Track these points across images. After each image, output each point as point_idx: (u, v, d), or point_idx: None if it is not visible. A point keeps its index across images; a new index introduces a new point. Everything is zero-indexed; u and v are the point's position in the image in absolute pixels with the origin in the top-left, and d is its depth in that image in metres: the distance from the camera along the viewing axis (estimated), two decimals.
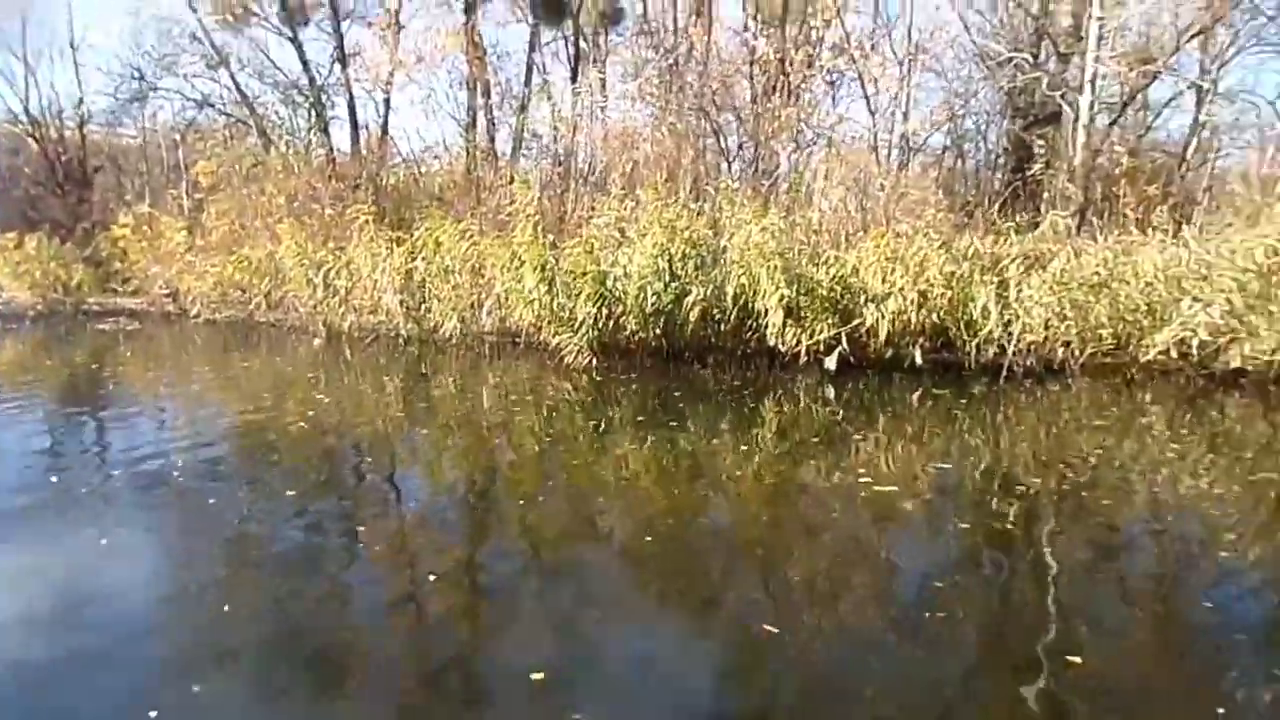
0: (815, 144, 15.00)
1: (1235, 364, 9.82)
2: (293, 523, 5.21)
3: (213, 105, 21.60)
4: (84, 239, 18.45)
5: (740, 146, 15.80)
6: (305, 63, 20.72)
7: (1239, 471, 7.19)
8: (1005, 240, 11.02)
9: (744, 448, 7.54)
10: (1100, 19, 13.54)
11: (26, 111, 23.16)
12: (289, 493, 5.77)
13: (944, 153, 18.67)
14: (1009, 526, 5.47)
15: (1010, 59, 16.29)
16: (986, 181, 17.17)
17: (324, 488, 6.16)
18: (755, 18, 20.23)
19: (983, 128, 19.52)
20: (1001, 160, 17.28)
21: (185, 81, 20.96)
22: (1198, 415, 9.28)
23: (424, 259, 12.06)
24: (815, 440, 7.90)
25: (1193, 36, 15.88)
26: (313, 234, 14.53)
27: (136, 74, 21.62)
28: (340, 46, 20.58)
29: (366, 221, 12.78)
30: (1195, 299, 9.52)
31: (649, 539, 5.11)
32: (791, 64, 16.87)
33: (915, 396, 9.71)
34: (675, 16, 21.68)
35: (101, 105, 23.21)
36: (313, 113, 20.99)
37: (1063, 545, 5.06)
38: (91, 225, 19.18)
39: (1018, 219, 12.39)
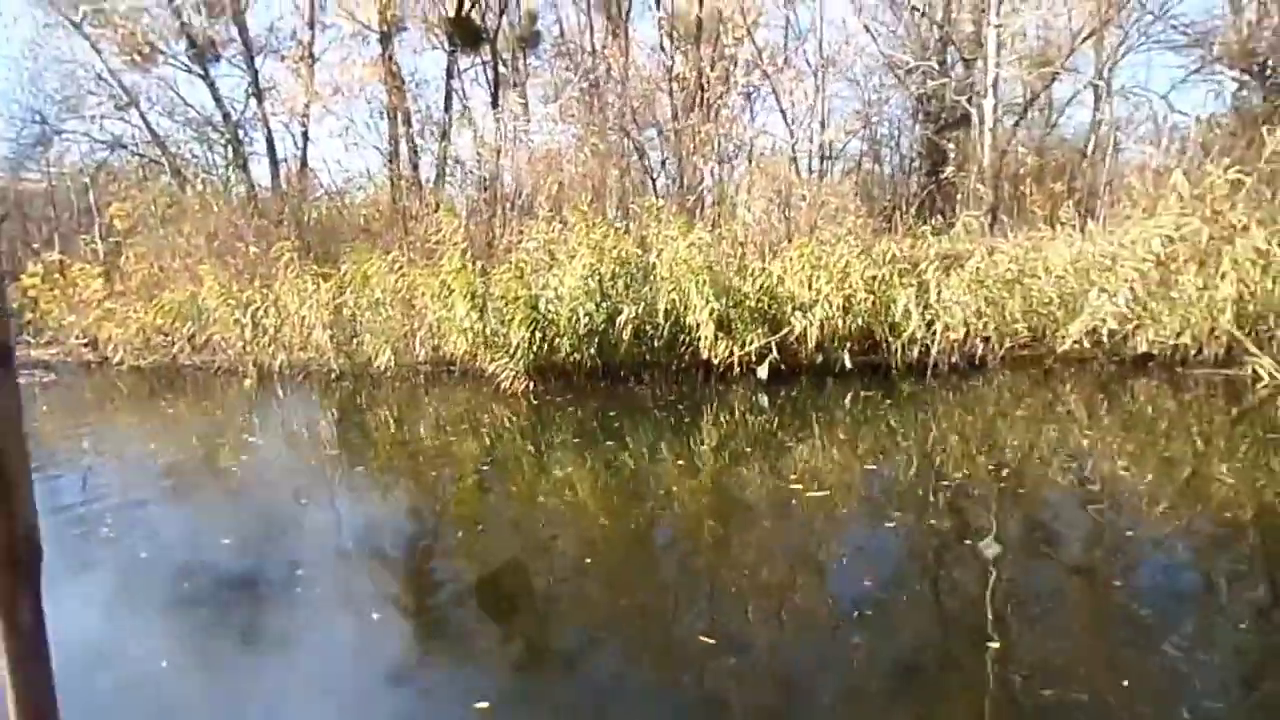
0: (736, 158, 15.30)
1: (1143, 349, 10.37)
2: (229, 571, 5.13)
3: (124, 146, 21.04)
4: None
5: (664, 163, 16.02)
6: (219, 99, 20.38)
7: (1150, 452, 7.60)
8: (922, 242, 11.41)
9: (681, 462, 7.68)
10: (998, 25, 14.16)
11: None
12: (224, 540, 5.66)
13: (861, 160, 19.22)
14: (937, 521, 5.70)
15: (917, 67, 16.91)
16: (903, 186, 17.72)
17: (261, 532, 6.06)
18: (670, 36, 20.59)
19: (896, 134, 20.22)
20: (916, 165, 17.87)
21: (93, 123, 20.37)
22: (1111, 400, 9.76)
23: (353, 292, 11.94)
24: (751, 450, 8.03)
25: (1085, 39, 16.70)
26: (237, 273, 14.26)
27: (38, 118, 20.96)
28: (254, 81, 20.30)
29: (291, 258, 12.59)
30: (1101, 290, 9.98)
31: (590, 560, 5.19)
32: (708, 81, 17.24)
33: (846, 400, 9.98)
34: (592, 38, 21.94)
35: (1, 151, 22.43)
36: (230, 149, 20.63)
37: (988, 535, 5.28)
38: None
39: (934, 221, 12.88)
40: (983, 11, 15.15)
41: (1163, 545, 5.18)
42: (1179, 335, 10.05)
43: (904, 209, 13.51)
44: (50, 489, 6.96)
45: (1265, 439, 7.72)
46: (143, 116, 20.12)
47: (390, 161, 19.61)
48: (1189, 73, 18.66)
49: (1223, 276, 9.55)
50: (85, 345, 15.60)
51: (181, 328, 13.66)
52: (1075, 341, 10.46)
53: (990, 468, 6.92)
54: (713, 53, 18.96)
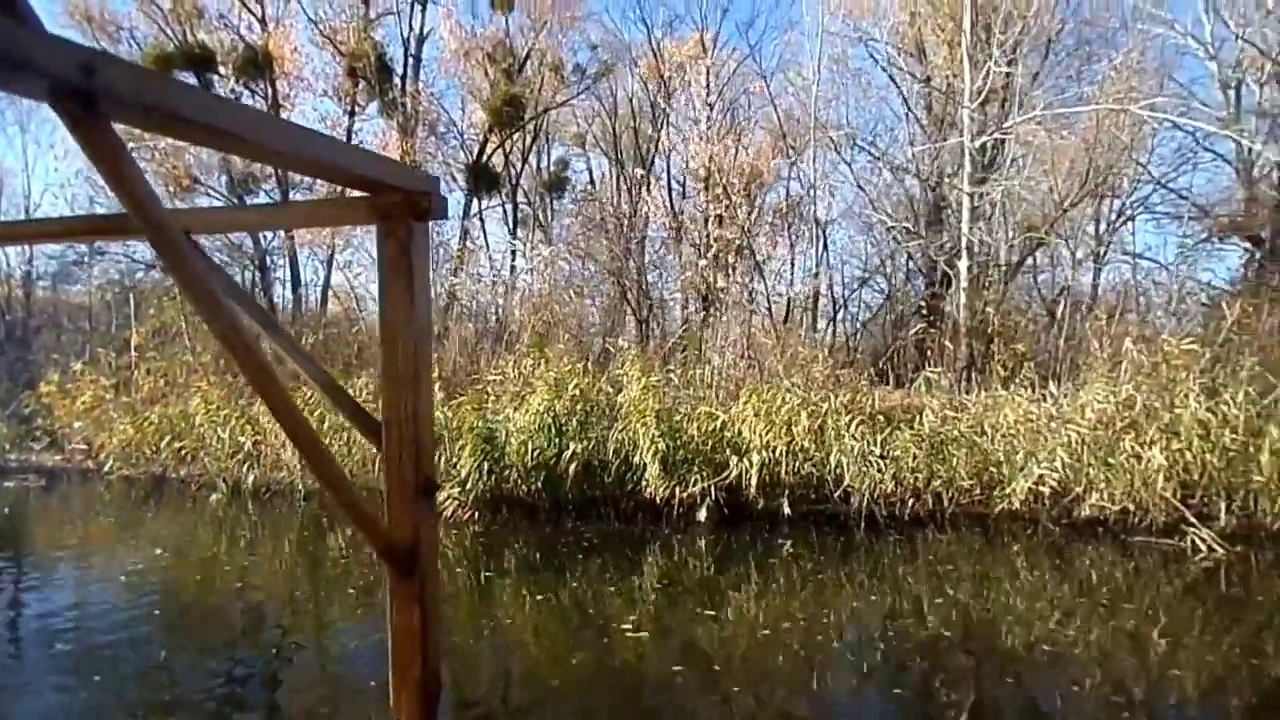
0: (712, 305, 15.85)
1: (1088, 513, 10.26)
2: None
3: (153, 267, 22.43)
4: (8, 396, 18.67)
5: (650, 306, 16.63)
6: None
7: (1096, 619, 7.53)
8: (870, 396, 11.60)
9: (619, 601, 7.94)
10: (970, 193, 14.77)
11: None
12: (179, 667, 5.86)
13: (834, 314, 19.75)
14: (866, 686, 5.76)
15: (904, 228, 17.59)
16: (878, 339, 18.05)
17: (213, 660, 6.29)
18: (683, 189, 21.75)
19: (892, 289, 20.73)
20: (892, 319, 18.25)
21: (130, 245, 21.79)
22: (1057, 564, 9.59)
23: (320, 416, 12.41)
24: (685, 594, 8.22)
25: (1069, 207, 17.25)
26: (234, 391, 14.89)
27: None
28: None
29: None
30: (1030, 454, 10.02)
31: (528, 691, 5.35)
32: (712, 234, 18.00)
33: (785, 549, 9.97)
34: (616, 187, 23.18)
35: (48, 268, 24.08)
36: (256, 274, 21.86)
37: (923, 703, 5.31)
38: (23, 383, 19.45)
39: (901, 374, 13.10)
40: (951, 178, 15.82)
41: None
42: (1122, 501, 9.95)
43: (872, 361, 13.75)
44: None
45: (1209, 616, 7.63)
46: None
47: None
48: (1197, 241, 19.09)
49: (1151, 444, 9.53)
50: (84, 451, 16.21)
51: (168, 441, 14.19)
52: (1022, 501, 10.40)
53: (932, 629, 6.96)
54: (721, 207, 19.89)
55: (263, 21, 20.80)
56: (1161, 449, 9.63)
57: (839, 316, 21.00)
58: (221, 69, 20.05)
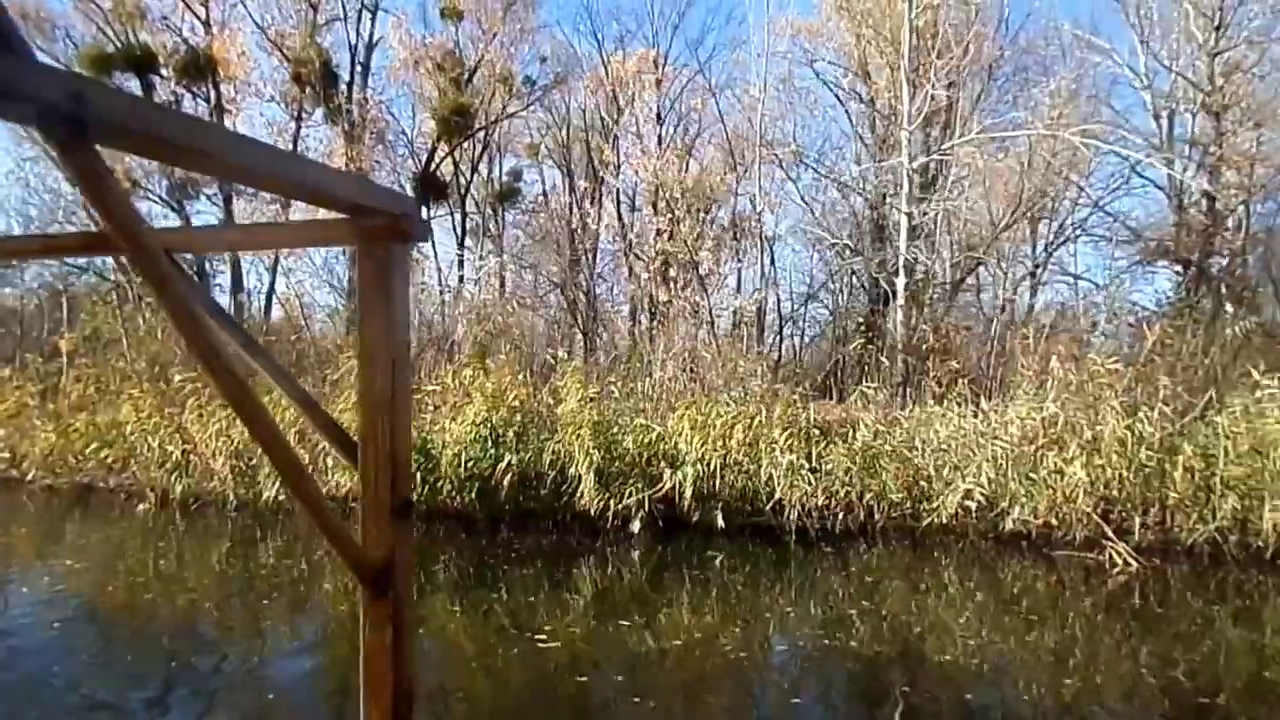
0: (657, 318, 15.95)
1: (1011, 527, 10.49)
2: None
3: (88, 270, 21.90)
4: None
5: (594, 318, 16.67)
6: None
7: (1017, 631, 7.75)
8: (805, 410, 11.74)
9: (540, 612, 7.91)
10: (907, 213, 15.10)
11: None
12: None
13: (780, 329, 20.00)
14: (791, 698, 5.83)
15: (846, 246, 17.92)
16: (822, 354, 18.31)
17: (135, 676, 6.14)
18: (632, 204, 21.88)
19: (839, 305, 21.09)
20: (836, 334, 18.53)
21: None
22: (983, 576, 9.79)
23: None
24: (610, 606, 8.28)
25: (1005, 228, 17.74)
26: (166, 399, 14.55)
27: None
28: (228, 219, 21.32)
29: (197, 388, 12.96)
30: (956, 468, 10.24)
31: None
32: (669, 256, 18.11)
33: (718, 561, 10.03)
34: (570, 199, 23.20)
35: None
36: (194, 278, 21.43)
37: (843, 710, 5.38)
38: None
39: (844, 389, 13.28)
40: (892, 198, 16.16)
41: None
42: (1045, 515, 10.20)
43: (812, 376, 13.94)
44: None
45: (1126, 627, 7.87)
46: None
47: (349, 299, 20.41)
48: (1131, 264, 19.75)
49: (1073, 460, 9.81)
50: (6, 461, 15.70)
51: (96, 449, 13.82)
52: (951, 515, 10.59)
53: (861, 640, 7.05)
54: (667, 221, 20.05)
55: (207, 24, 20.51)
56: (1082, 465, 9.90)
57: (785, 332, 21.31)
58: (164, 71, 19.71)
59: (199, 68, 19.56)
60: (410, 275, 3.16)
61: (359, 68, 21.31)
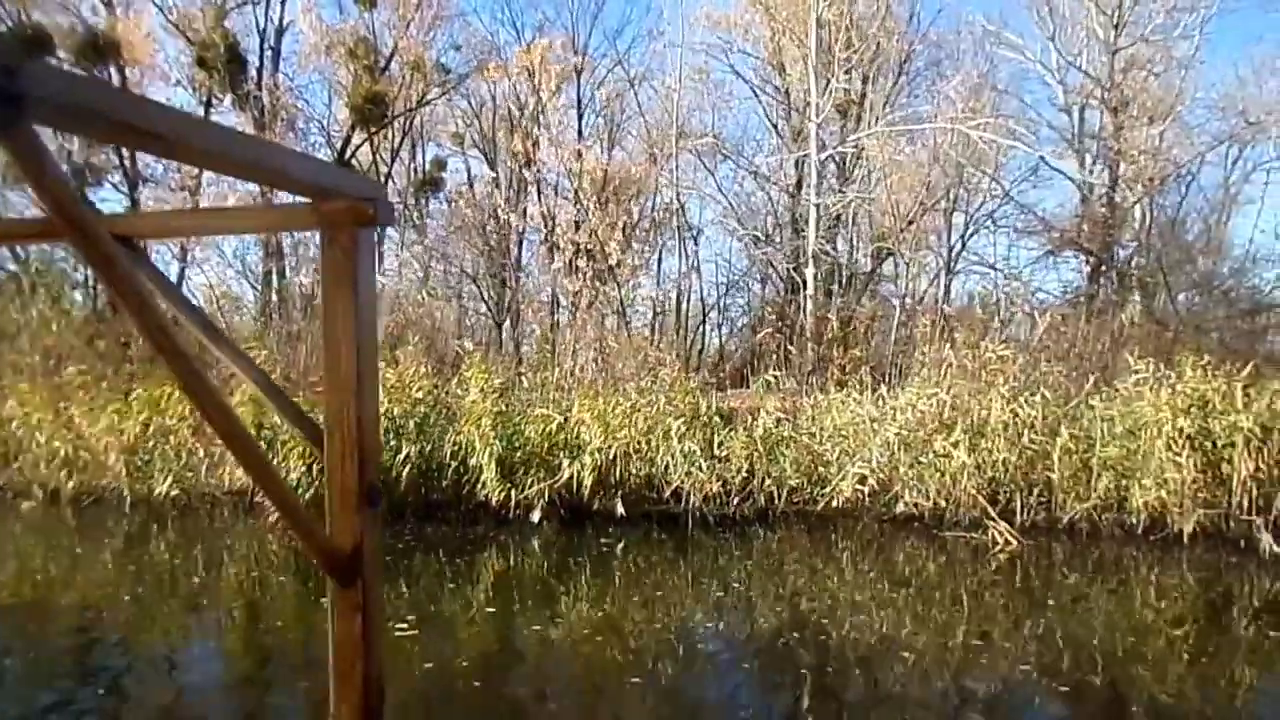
0: (573, 309, 15.97)
1: (903, 509, 10.80)
2: None
3: None
4: None
5: (506, 308, 16.60)
6: None
7: (909, 607, 8.04)
8: (707, 398, 11.90)
9: (458, 604, 8.03)
10: (816, 204, 15.36)
11: None
12: None
13: (704, 318, 20.21)
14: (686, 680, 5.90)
15: (756, 236, 18.17)
16: (730, 342, 18.57)
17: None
18: (555, 192, 21.76)
19: (733, 294, 21.41)
20: (752, 324, 18.80)
21: None
22: (877, 557, 10.07)
23: (145, 419, 11.89)
24: (518, 596, 8.39)
25: (911, 221, 18.17)
26: (57, 393, 14.04)
27: None
28: (133, 207, 20.62)
29: (88, 381, 12.57)
30: (851, 453, 10.50)
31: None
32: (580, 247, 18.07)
33: (619, 548, 10.12)
34: (494, 190, 22.96)
35: None
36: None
37: (749, 690, 5.46)
38: None
39: (752, 377, 13.47)
40: (798, 188, 16.44)
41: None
42: (935, 497, 10.53)
43: (721, 363, 14.12)
44: None
45: (1008, 602, 8.20)
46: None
47: (263, 290, 19.98)
48: (1041, 253, 20.38)
49: (957, 444, 10.13)
50: None
51: None
52: (847, 499, 10.85)
53: (758, 621, 7.22)
54: (583, 212, 20.03)
55: (109, 5, 19.76)
56: (968, 448, 10.23)
57: (712, 321, 21.52)
58: (60, 53, 18.91)
59: (98, 49, 18.82)
60: (375, 261, 3.09)
61: (270, 53, 20.77)
